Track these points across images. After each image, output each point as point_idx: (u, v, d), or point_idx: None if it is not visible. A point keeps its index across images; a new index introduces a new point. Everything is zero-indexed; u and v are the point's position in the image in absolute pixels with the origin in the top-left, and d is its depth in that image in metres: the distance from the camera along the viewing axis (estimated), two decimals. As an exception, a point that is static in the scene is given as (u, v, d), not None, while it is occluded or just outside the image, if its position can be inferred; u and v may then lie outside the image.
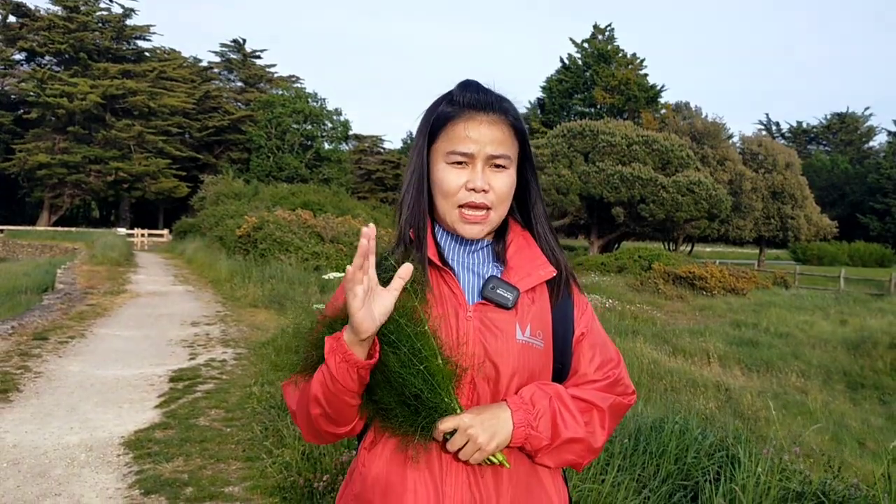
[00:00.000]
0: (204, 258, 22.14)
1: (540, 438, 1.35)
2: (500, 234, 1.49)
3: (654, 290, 22.85)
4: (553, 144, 38.85)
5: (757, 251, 54.41)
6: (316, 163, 51.18)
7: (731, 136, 53.94)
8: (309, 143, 51.72)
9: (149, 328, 10.26)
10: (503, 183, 1.41)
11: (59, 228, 42.99)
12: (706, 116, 52.32)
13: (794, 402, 9.79)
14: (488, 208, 1.40)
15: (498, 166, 1.40)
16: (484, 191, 1.38)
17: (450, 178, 1.39)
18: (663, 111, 57.17)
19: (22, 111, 49.64)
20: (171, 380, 7.08)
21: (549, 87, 59.35)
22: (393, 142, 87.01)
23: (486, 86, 1.45)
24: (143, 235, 39.60)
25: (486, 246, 1.48)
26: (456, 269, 1.44)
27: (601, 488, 3.25)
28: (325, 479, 3.84)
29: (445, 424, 1.29)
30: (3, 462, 4.60)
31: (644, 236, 44.44)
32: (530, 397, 1.36)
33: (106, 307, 12.35)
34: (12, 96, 50.08)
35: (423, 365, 1.29)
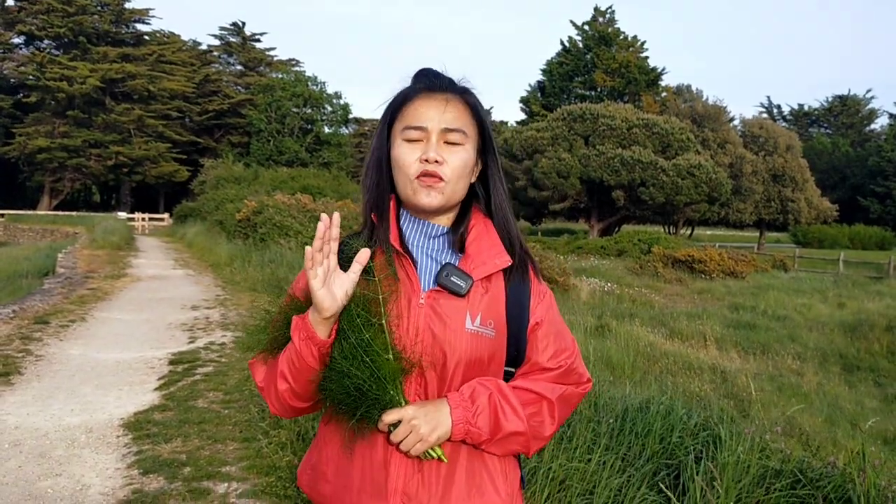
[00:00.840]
0: (204, 242, 22.21)
1: (480, 434, 1.39)
2: (460, 221, 1.51)
3: (654, 274, 22.92)
4: (553, 128, 38.79)
5: (757, 234, 54.44)
6: (316, 147, 51.16)
7: (731, 119, 53.80)
8: (309, 126, 51.67)
9: (149, 312, 10.34)
10: (458, 158, 1.43)
11: (60, 213, 43.06)
12: (707, 99, 52.25)
13: (789, 384, 9.87)
14: (442, 180, 1.42)
15: (453, 143, 1.43)
16: (437, 161, 1.41)
17: (405, 153, 1.43)
18: (664, 94, 57.01)
19: (21, 95, 49.57)
20: (171, 363, 7.16)
21: (549, 70, 59.11)
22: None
23: (442, 73, 1.49)
24: (143, 219, 39.68)
25: (446, 232, 1.50)
26: (415, 254, 1.47)
27: (587, 467, 3.33)
28: (319, 459, 3.92)
29: (390, 417, 1.34)
30: (4, 443, 4.68)
31: (644, 220, 44.48)
32: (470, 394, 1.39)
33: (107, 291, 12.43)
34: (11, 80, 49.95)
35: (369, 358, 1.33)
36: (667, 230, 45.16)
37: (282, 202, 20.92)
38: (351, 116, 56.19)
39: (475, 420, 1.38)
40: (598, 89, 56.20)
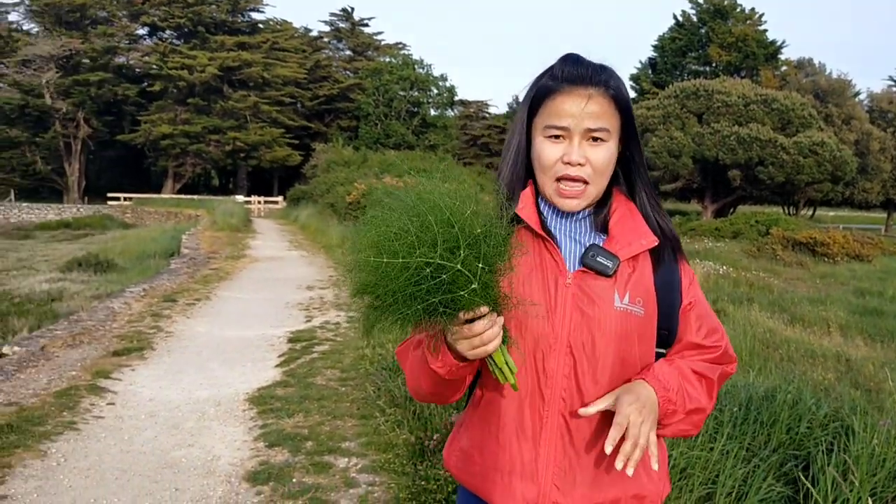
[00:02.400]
0: (316, 224, 22.86)
1: (675, 411, 1.39)
2: (602, 203, 1.50)
3: (772, 257, 21.97)
4: (665, 105, 37.64)
5: (884, 215, 51.25)
6: (422, 129, 51.61)
7: (857, 94, 50.59)
8: (415, 109, 52.16)
9: (267, 291, 10.75)
10: (601, 156, 1.41)
11: (183, 196, 45.21)
12: (830, 73, 49.39)
13: (922, 374, 9.28)
14: (585, 182, 1.41)
15: (596, 139, 1.41)
16: (580, 164, 1.40)
17: (547, 152, 1.42)
18: (784, 68, 54.24)
19: (146, 84, 52.22)
20: (290, 341, 7.44)
21: (661, 46, 57.31)
22: (498, 107, 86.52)
23: (586, 58, 1.45)
24: (259, 202, 41.27)
25: (588, 215, 1.50)
26: (558, 237, 1.47)
27: (709, 456, 3.24)
28: (435, 437, 3.99)
29: (595, 408, 1.35)
30: (141, 414, 4.99)
31: (761, 200, 42.64)
32: (663, 374, 1.40)
33: (228, 271, 13.01)
34: (137, 70, 52.71)
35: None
36: (786, 211, 43.11)
37: (390, 185, 21.22)
38: (456, 98, 56.38)
39: (675, 398, 1.39)
40: (713, 64, 54.05)
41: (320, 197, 27.99)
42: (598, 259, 1.40)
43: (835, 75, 47.28)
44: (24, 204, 43.12)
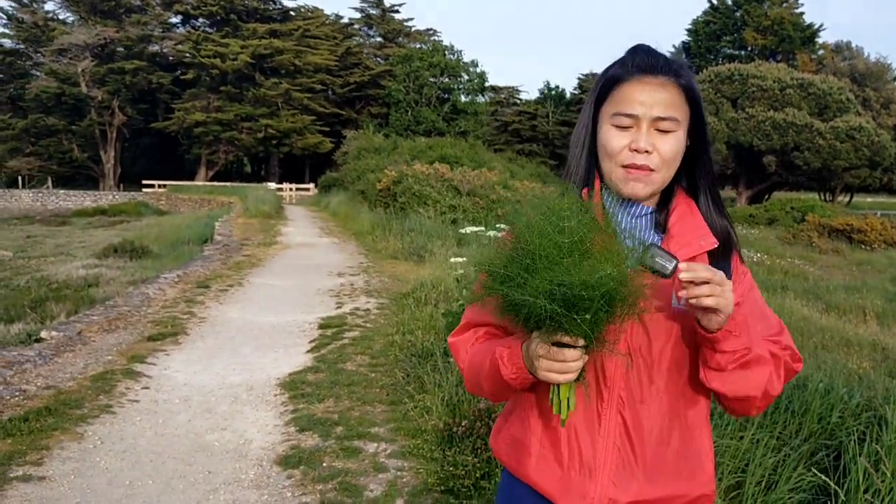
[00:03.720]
0: (347, 211, 22.98)
1: (741, 335, 1.29)
2: (664, 202, 1.48)
3: (808, 244, 21.66)
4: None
5: (926, 201, 50.14)
6: (452, 116, 51.49)
7: (897, 77, 49.54)
8: (446, 96, 52.05)
9: (299, 278, 10.85)
10: (669, 146, 1.39)
11: (216, 183, 45.74)
12: (869, 56, 48.45)
13: (961, 364, 9.10)
14: (651, 170, 1.39)
15: (664, 131, 1.39)
16: (647, 152, 1.37)
17: (613, 140, 1.40)
18: (821, 52, 53.21)
19: (179, 72, 52.76)
20: (320, 327, 7.51)
21: (695, 30, 56.49)
22: (529, 92, 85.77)
23: (657, 50, 1.44)
24: (291, 189, 41.59)
25: (649, 213, 1.47)
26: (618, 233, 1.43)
27: (739, 445, 3.22)
28: (463, 424, 4.01)
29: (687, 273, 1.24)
30: (175, 398, 5.09)
31: (797, 186, 42.00)
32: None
33: (260, 258, 13.15)
34: (170, 58, 53.25)
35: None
36: (822, 197, 42.36)
37: (420, 172, 21.26)
38: (487, 84, 56.11)
39: (744, 321, 1.30)
40: (749, 48, 53.17)
41: (351, 184, 28.11)
42: (656, 259, 1.34)
43: (873, 59, 46.31)
44: (62, 191, 43.95)
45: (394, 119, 51.17)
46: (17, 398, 4.81)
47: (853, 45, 53.65)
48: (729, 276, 1.43)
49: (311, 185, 44.15)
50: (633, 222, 1.47)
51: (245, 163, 60.26)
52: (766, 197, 39.83)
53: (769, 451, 3.23)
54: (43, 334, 6.55)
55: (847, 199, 49.39)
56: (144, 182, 44.78)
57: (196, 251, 14.42)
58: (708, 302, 1.23)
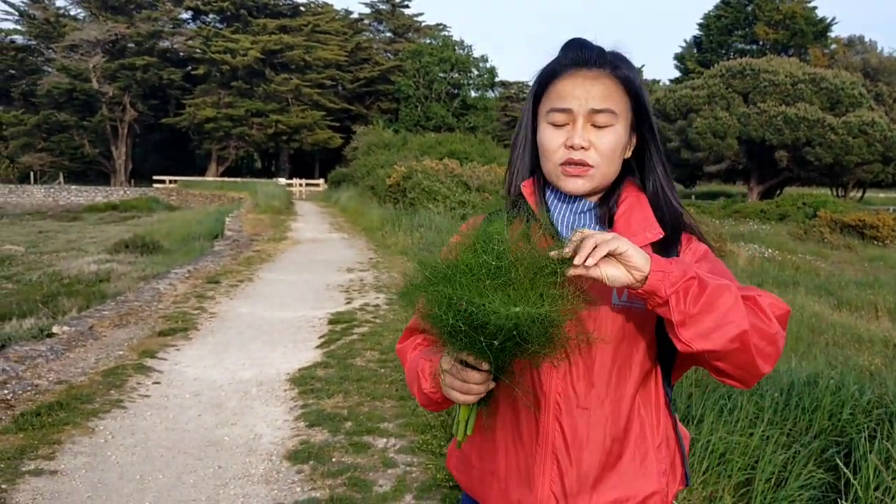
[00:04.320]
0: (357, 207, 23.02)
1: (672, 273, 1.16)
2: (609, 194, 1.41)
3: (819, 240, 21.56)
4: (710, 85, 37.02)
5: (939, 197, 49.75)
6: (462, 111, 51.40)
7: (911, 71, 49.11)
8: (455, 91, 51.95)
9: (308, 273, 10.88)
10: (607, 141, 1.33)
11: (226, 179, 45.82)
12: (882, 51, 48.07)
13: (974, 361, 9.04)
14: (590, 166, 1.33)
15: (601, 125, 1.33)
16: (583, 148, 1.32)
17: (550, 138, 1.35)
18: (833, 46, 52.90)
19: (190, 68, 52.90)
20: (330, 322, 7.52)
21: (706, 24, 56.27)
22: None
23: (592, 42, 1.38)
24: (301, 185, 41.65)
25: (593, 207, 1.41)
26: (561, 230, 1.41)
27: (749, 441, 3.21)
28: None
29: (576, 236, 1.17)
30: (185, 393, 5.11)
31: (809, 182, 41.72)
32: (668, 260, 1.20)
33: (270, 253, 13.18)
34: (181, 54, 53.41)
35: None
36: (834, 193, 42.09)
37: (430, 167, 21.25)
38: (497, 79, 55.99)
39: (677, 271, 1.17)
40: (760, 43, 52.91)
41: (361, 179, 28.15)
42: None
43: (886, 53, 45.92)
44: (73, 186, 44.21)
45: (404, 114, 51.13)
46: (29, 393, 4.85)
47: (866, 39, 53.39)
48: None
49: (321, 181, 44.18)
50: (578, 218, 1.41)
51: (255, 158, 60.39)
52: (778, 192, 39.62)
53: (779, 448, 3.22)
54: (55, 329, 6.59)
55: (859, 194, 49.08)
56: (155, 178, 44.97)
57: (206, 247, 14.48)
58: (599, 252, 1.12)
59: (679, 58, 59.93)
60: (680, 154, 38.25)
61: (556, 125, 1.35)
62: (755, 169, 38.12)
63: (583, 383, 1.33)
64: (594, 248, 1.13)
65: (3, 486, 3.53)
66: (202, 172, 52.01)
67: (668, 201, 1.41)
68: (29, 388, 4.92)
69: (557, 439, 1.34)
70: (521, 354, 1.20)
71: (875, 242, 21.53)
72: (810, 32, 51.79)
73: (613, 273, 1.15)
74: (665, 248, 1.34)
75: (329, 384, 5.35)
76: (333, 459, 4.01)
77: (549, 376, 1.33)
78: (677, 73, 59.73)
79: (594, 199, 1.41)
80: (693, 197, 43.09)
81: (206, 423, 4.56)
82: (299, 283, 10.02)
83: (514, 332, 1.15)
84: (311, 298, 8.90)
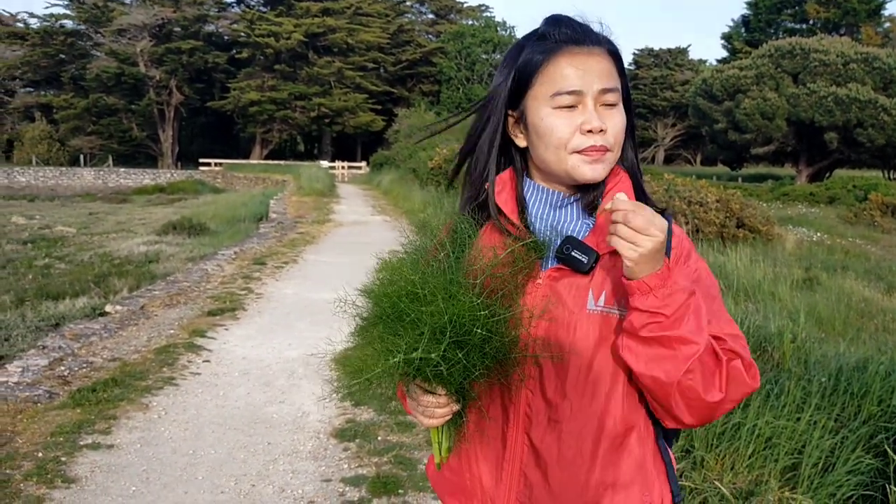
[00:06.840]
0: (399, 189, 23.10)
1: (659, 299, 1.10)
2: (593, 186, 1.27)
3: (870, 224, 21.05)
4: (758, 65, 36.22)
5: None
6: (505, 93, 51.12)
7: (971, 50, 47.45)
8: (498, 73, 51.69)
9: (351, 255, 10.98)
10: (617, 122, 1.23)
11: (270, 162, 46.38)
12: (941, 27, 46.32)
13: None
14: (608, 150, 1.22)
15: (609, 104, 1.23)
16: (602, 131, 1.21)
17: (560, 125, 1.22)
18: (887, 25, 51.26)
19: (234, 51, 53.56)
20: (374, 304, 7.59)
21: (754, 3, 54.94)
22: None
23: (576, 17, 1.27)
24: (343, 168, 41.96)
25: (574, 201, 1.30)
26: (538, 227, 1.29)
27: (796, 426, 3.19)
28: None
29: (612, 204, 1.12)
30: (235, 372, 5.23)
31: (860, 164, 40.64)
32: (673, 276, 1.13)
33: (314, 235, 13.34)
34: (226, 37, 54.10)
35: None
36: (886, 175, 40.95)
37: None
38: (540, 61, 55.48)
39: (674, 283, 1.11)
40: (811, 21, 51.49)
41: (402, 162, 28.22)
42: (572, 254, 1.21)
43: (945, 30, 44.35)
44: (122, 169, 45.12)
45: (445, 97, 51.10)
46: (84, 369, 5.01)
47: (923, 16, 51.52)
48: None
49: (364, 164, 44.42)
50: (556, 213, 1.30)
51: (298, 141, 60.90)
52: (827, 175, 38.71)
53: (826, 433, 3.20)
54: (107, 308, 6.78)
55: (913, 177, 47.72)
56: (201, 160, 45.65)
57: (252, 228, 14.71)
58: (620, 234, 1.09)
59: (726, 37, 58.73)
60: (727, 136, 37.60)
61: (563, 108, 1.22)
62: (804, 151, 37.28)
63: (555, 394, 1.22)
64: (628, 225, 1.08)
65: (63, 459, 3.67)
66: (246, 155, 52.68)
67: (641, 180, 1.32)
68: (84, 365, 5.09)
69: (526, 454, 1.25)
70: (473, 375, 1.14)
71: (929, 226, 20.94)
72: (863, 11, 50.23)
73: (619, 244, 1.10)
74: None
75: (374, 364, 5.41)
76: (379, 438, 4.08)
77: (518, 386, 1.24)
78: (725, 53, 58.60)
79: (570, 191, 1.30)
80: (740, 179, 42.25)
81: (255, 400, 4.67)
82: (342, 264, 10.13)
83: (454, 344, 1.12)
84: (354, 280, 8.97)
